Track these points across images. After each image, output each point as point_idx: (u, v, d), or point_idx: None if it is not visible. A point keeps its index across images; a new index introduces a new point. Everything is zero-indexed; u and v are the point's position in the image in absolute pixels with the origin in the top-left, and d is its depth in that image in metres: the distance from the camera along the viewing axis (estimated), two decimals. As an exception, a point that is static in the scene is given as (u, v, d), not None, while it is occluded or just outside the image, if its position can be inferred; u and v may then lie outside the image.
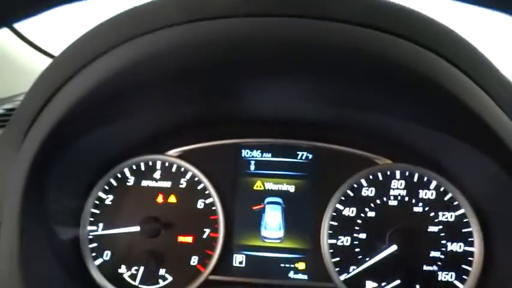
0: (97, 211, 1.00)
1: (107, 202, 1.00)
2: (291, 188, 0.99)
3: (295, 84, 0.71)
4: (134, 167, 1.02)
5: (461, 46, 0.62)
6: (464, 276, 0.89)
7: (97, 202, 1.00)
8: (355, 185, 0.96)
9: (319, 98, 0.76)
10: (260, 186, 1.00)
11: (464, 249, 0.91)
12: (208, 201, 0.98)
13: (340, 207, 0.96)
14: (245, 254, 0.97)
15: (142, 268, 0.95)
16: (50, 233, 0.87)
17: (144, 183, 1.01)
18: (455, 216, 0.92)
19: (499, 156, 0.72)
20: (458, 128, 0.72)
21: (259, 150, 1.01)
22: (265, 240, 0.97)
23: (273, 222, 0.97)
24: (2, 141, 0.81)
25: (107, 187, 1.01)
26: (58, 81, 0.70)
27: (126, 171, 1.02)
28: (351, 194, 0.96)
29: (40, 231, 0.84)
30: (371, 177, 0.96)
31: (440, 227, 0.92)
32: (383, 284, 0.91)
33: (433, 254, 0.91)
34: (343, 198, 0.96)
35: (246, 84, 0.74)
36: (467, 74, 0.61)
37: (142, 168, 1.02)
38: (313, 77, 0.65)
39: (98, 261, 0.97)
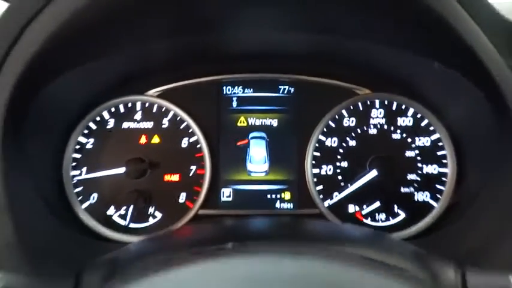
0: (78, 156, 0.98)
1: (88, 146, 0.99)
2: (274, 122, 1.00)
3: (279, 10, 0.69)
4: (113, 109, 0.99)
5: None
6: (438, 195, 0.96)
7: (78, 147, 0.98)
8: (337, 116, 0.98)
9: (303, 25, 0.75)
10: (243, 122, 1.00)
11: (438, 171, 0.96)
12: (192, 139, 0.98)
13: (323, 138, 0.98)
14: (232, 188, 0.99)
15: (131, 208, 0.95)
16: (34, 179, 0.85)
17: (125, 125, 0.99)
18: (431, 140, 0.97)
19: (476, 76, 0.74)
20: (438, 48, 0.73)
21: (241, 86, 1.01)
22: (251, 173, 1.00)
23: (258, 156, 0.99)
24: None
25: (86, 131, 0.98)
26: (21, 21, 0.65)
27: (105, 113, 0.99)
28: (333, 125, 0.98)
29: (24, 176, 0.82)
30: (352, 107, 0.98)
31: (417, 151, 0.97)
32: (364, 206, 0.96)
33: (410, 176, 0.96)
34: (325, 129, 0.98)
35: (224, 13, 0.72)
36: None
37: (122, 110, 0.99)
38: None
39: (85, 205, 0.97)
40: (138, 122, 0.99)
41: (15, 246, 0.74)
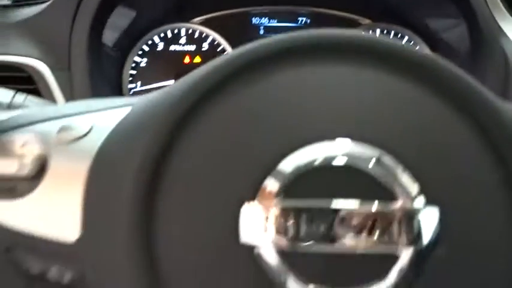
0: (134, 72, 1.21)
1: (142, 64, 1.21)
2: (294, 47, 1.23)
3: None
4: (162, 35, 1.22)
5: None
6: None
7: (133, 65, 1.21)
8: (345, 42, 1.21)
9: None
10: (268, 47, 1.23)
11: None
12: (227, 60, 1.21)
13: (333, 60, 1.21)
14: (259, 99, 1.23)
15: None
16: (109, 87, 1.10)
17: (172, 47, 1.22)
18: (421, 62, 1.20)
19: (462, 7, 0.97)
20: None
21: (267, 17, 1.23)
22: (274, 88, 1.23)
23: (280, 74, 1.22)
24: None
25: (140, 52, 1.21)
26: None
27: (156, 38, 1.21)
28: (341, 49, 1.21)
29: (102, 85, 1.06)
30: (357, 35, 1.21)
31: (409, 71, 1.20)
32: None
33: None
34: (334, 53, 1.21)
35: None
36: None
37: (169, 35, 1.22)
38: None
39: (140, 111, 1.20)
40: (183, 45, 1.22)
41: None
